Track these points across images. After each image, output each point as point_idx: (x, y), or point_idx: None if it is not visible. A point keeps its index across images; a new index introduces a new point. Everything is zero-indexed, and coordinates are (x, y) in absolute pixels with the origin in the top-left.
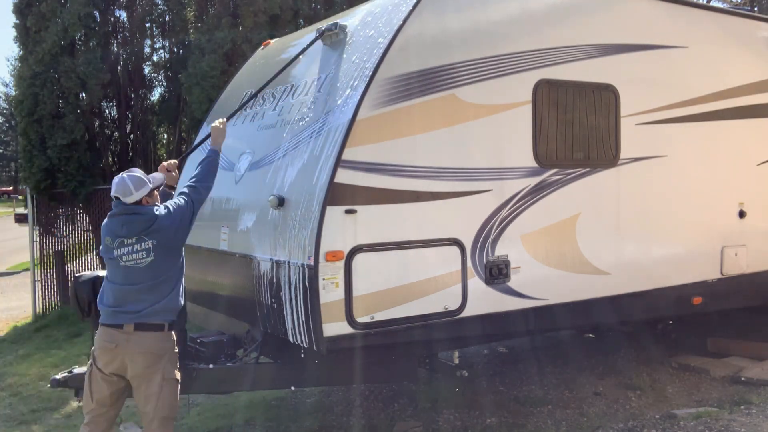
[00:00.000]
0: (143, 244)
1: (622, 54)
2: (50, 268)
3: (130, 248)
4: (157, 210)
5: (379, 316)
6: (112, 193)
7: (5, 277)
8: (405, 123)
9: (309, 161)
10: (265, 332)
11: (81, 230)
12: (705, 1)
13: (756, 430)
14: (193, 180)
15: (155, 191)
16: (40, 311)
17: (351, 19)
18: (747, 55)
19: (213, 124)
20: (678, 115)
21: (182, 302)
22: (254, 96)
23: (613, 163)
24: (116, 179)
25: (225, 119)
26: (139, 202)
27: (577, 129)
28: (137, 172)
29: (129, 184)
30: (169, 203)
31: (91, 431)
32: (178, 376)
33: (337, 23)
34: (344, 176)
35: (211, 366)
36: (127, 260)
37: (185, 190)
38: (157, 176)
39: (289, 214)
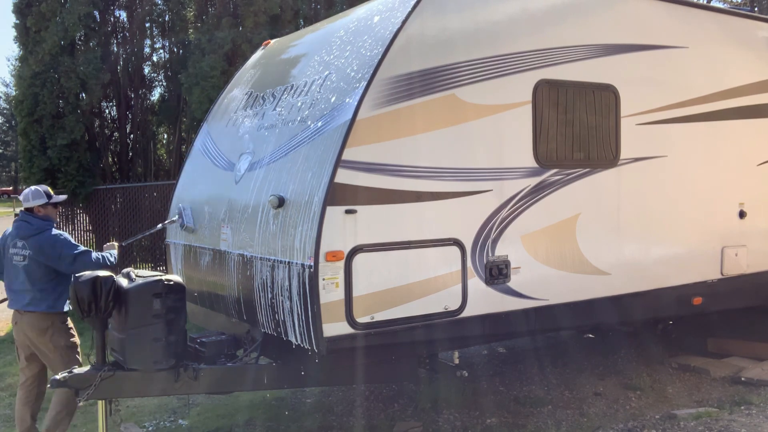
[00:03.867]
0: (25, 249)
1: (622, 54)
2: None
3: (17, 249)
4: (47, 224)
5: (379, 317)
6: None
7: None
8: (405, 123)
9: (309, 161)
10: (265, 332)
11: (81, 230)
12: (705, 1)
13: (756, 430)
14: (99, 257)
15: (51, 207)
16: None
17: (351, 19)
18: (747, 55)
19: (112, 243)
20: (678, 115)
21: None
22: None
23: (614, 163)
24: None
25: (120, 245)
26: (32, 210)
27: (577, 129)
28: (42, 187)
29: (28, 194)
30: (67, 239)
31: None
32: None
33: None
34: (344, 176)
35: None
36: (14, 259)
37: (94, 254)
38: (60, 197)
39: (289, 214)
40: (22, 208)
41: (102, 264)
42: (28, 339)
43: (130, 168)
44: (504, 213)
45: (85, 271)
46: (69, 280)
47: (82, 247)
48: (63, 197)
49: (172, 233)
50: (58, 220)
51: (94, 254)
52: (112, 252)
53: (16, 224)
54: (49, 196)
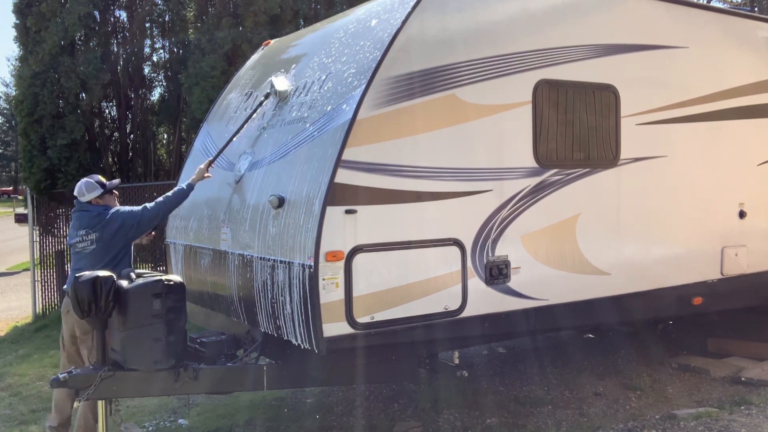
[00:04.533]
0: (89, 235)
1: (622, 54)
2: (50, 268)
3: (80, 238)
4: (106, 210)
5: (380, 317)
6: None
7: (5, 277)
8: (405, 123)
9: (309, 161)
10: (265, 332)
11: None
12: (705, 1)
13: (756, 430)
14: (160, 200)
15: (108, 194)
16: (40, 311)
17: (351, 19)
18: (747, 55)
19: (200, 166)
20: (678, 115)
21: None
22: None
23: (614, 163)
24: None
25: (209, 161)
26: (89, 202)
27: (577, 129)
28: (94, 177)
29: (83, 187)
30: (125, 208)
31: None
32: None
33: (273, 87)
34: (344, 176)
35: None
36: (78, 247)
37: (150, 204)
38: (114, 182)
39: (289, 214)
40: (81, 200)
41: (167, 205)
42: (77, 328)
43: (130, 168)
44: (504, 213)
45: (155, 222)
46: (128, 261)
47: (138, 207)
48: (117, 181)
49: (172, 233)
50: (117, 205)
51: (149, 205)
52: (180, 186)
53: (75, 216)
54: (103, 186)
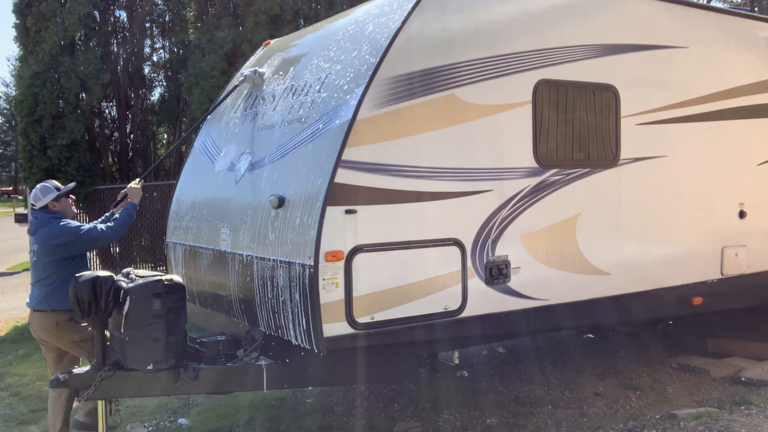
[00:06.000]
0: (33, 245)
1: (622, 54)
2: None
3: (30, 247)
4: (54, 218)
5: (380, 317)
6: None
7: (5, 277)
8: (405, 123)
9: (309, 161)
10: (265, 332)
11: None
12: (705, 1)
13: (756, 430)
14: (110, 222)
15: (64, 198)
16: None
17: (351, 20)
18: (747, 56)
19: (130, 185)
20: (678, 115)
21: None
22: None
23: (614, 163)
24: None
25: (140, 180)
26: (45, 207)
27: (577, 129)
28: (50, 182)
29: (38, 192)
30: (71, 223)
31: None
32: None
33: (256, 71)
34: (344, 176)
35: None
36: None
37: (101, 225)
38: (69, 186)
39: (289, 214)
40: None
41: (113, 232)
42: (42, 338)
43: (130, 168)
44: (504, 213)
45: (96, 245)
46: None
47: (86, 225)
48: (72, 185)
49: (173, 234)
50: (76, 211)
51: (100, 226)
52: (126, 209)
53: (30, 222)
54: (58, 189)
